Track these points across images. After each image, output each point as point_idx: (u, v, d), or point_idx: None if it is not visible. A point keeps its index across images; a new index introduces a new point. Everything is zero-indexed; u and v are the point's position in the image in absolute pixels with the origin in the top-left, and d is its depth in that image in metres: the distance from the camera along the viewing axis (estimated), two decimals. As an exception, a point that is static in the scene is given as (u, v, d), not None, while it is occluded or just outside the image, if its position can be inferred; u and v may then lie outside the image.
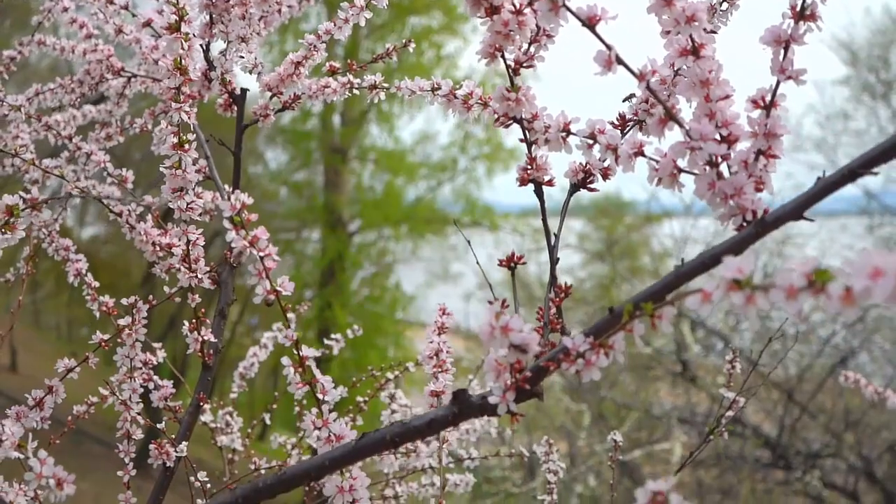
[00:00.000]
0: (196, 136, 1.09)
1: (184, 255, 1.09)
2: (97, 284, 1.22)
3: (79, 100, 1.55)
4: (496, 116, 0.86)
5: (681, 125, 0.73)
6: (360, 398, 1.66)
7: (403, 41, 1.32)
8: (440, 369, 0.94)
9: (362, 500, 0.76)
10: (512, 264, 0.88)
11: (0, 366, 9.29)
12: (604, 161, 0.85)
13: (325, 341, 1.73)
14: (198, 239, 1.08)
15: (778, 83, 0.71)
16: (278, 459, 1.68)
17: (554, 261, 0.85)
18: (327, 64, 1.27)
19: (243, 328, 10.92)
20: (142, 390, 1.12)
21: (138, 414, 1.11)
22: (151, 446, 1.09)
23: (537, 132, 0.85)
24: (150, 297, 1.13)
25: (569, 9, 0.70)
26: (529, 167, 0.87)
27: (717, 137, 0.72)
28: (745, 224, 0.69)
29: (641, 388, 7.96)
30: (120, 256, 10.91)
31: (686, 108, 0.76)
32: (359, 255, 11.15)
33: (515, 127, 0.88)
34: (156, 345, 1.20)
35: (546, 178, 0.87)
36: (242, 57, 1.21)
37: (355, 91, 1.26)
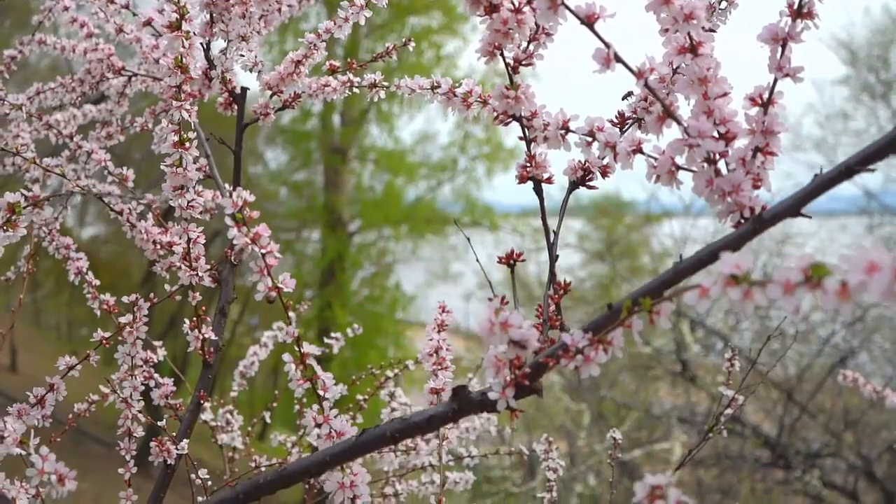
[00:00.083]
0: (196, 134, 1.10)
1: (184, 253, 1.09)
2: (98, 283, 1.23)
3: (79, 99, 1.55)
4: (495, 114, 0.87)
5: (679, 122, 0.74)
6: (360, 396, 1.66)
7: (403, 40, 1.32)
8: (440, 367, 0.94)
9: (363, 495, 0.76)
10: (511, 261, 0.88)
11: (0, 366, 9.29)
12: (603, 159, 0.86)
13: (326, 340, 1.73)
14: (198, 237, 1.09)
15: (775, 81, 0.71)
16: (279, 457, 1.68)
17: (553, 258, 0.85)
18: (327, 63, 1.28)
19: (243, 328, 10.93)
20: (143, 388, 1.12)
21: (139, 412, 1.11)
22: (152, 444, 1.10)
23: (536, 130, 0.86)
24: (152, 294, 1.14)
25: (567, 7, 0.71)
26: (529, 165, 0.88)
27: (715, 135, 0.72)
28: (742, 221, 0.70)
29: (641, 387, 7.97)
30: (120, 256, 10.92)
31: (684, 106, 0.77)
32: (359, 255, 11.16)
33: (515, 127, 0.88)
34: (156, 343, 1.21)
35: (545, 176, 0.88)
36: (243, 55, 1.22)
37: (355, 90, 1.26)
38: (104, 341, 1.11)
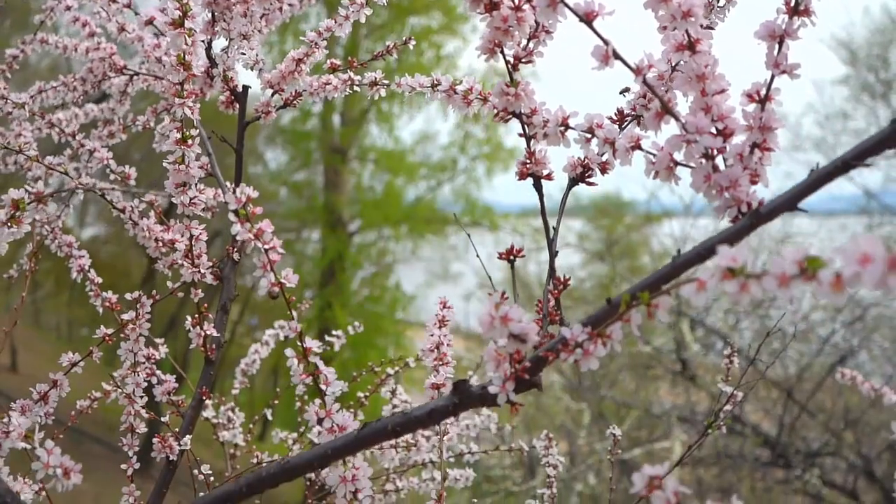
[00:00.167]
0: (198, 132, 1.10)
1: (186, 250, 1.10)
2: (100, 280, 1.23)
3: (81, 98, 1.56)
4: (496, 112, 0.88)
5: (677, 119, 0.75)
6: (360, 394, 1.67)
7: (404, 39, 1.33)
8: (441, 362, 0.94)
9: (364, 489, 0.77)
10: (511, 257, 0.89)
11: (0, 366, 9.29)
12: (602, 155, 0.86)
13: (327, 338, 1.74)
14: (200, 234, 1.09)
15: (773, 77, 0.72)
16: (280, 455, 1.69)
17: (553, 253, 0.86)
18: (328, 61, 1.28)
19: (243, 328, 10.94)
20: (145, 384, 1.13)
21: (142, 408, 1.12)
22: (155, 440, 1.10)
23: (536, 127, 0.86)
24: (154, 291, 1.14)
25: (566, 5, 0.71)
26: (528, 161, 0.88)
27: (713, 131, 0.73)
28: (740, 216, 0.70)
29: (641, 387, 7.97)
30: (120, 256, 10.93)
31: (683, 103, 0.78)
32: (359, 255, 11.17)
33: (515, 127, 0.89)
34: (158, 340, 1.22)
35: (545, 172, 0.89)
36: (244, 54, 1.22)
37: (356, 88, 1.27)
38: (107, 338, 1.12)
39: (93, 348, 1.10)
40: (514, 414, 0.74)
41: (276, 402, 1.91)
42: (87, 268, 1.24)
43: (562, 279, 0.86)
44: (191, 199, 1.05)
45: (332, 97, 1.28)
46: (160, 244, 1.16)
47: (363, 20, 1.23)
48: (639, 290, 0.63)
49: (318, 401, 0.79)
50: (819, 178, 0.64)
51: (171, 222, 1.18)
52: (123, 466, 1.11)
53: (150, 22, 1.19)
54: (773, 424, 6.38)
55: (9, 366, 9.48)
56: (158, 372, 1.17)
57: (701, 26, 0.73)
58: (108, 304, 1.20)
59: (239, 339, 10.16)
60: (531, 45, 0.85)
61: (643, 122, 0.84)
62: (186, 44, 0.98)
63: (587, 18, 0.71)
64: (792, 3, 0.71)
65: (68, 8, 1.48)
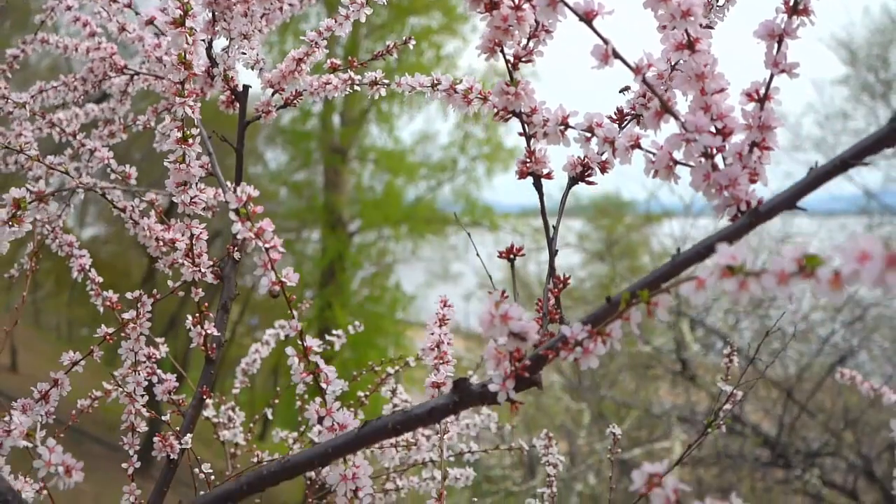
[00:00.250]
0: (199, 131, 1.11)
1: (187, 249, 1.10)
2: (101, 280, 1.24)
3: (82, 98, 1.56)
4: (496, 111, 0.88)
5: (676, 118, 0.75)
6: (360, 393, 1.67)
7: (404, 38, 1.33)
8: (441, 361, 0.95)
9: (365, 487, 0.77)
10: (511, 255, 0.89)
11: (0, 366, 9.29)
12: (601, 154, 0.87)
13: (327, 337, 1.74)
14: (201, 233, 1.10)
15: (771, 76, 0.72)
16: (280, 454, 1.69)
17: (553, 252, 0.86)
18: (328, 61, 1.29)
19: (243, 328, 10.94)
20: (146, 383, 1.13)
21: (143, 406, 1.12)
22: (156, 439, 1.11)
23: (536, 125, 0.87)
24: (155, 291, 1.15)
25: (566, 4, 0.72)
26: (528, 160, 0.89)
27: (713, 130, 0.73)
28: (739, 214, 0.71)
29: (641, 386, 7.97)
30: (120, 257, 10.93)
31: (682, 102, 0.78)
32: (359, 255, 11.17)
33: (514, 127, 0.89)
34: (158, 339, 1.22)
35: (545, 171, 0.89)
36: (244, 53, 1.23)
37: (356, 87, 1.27)
38: (108, 337, 1.12)
39: (94, 347, 1.10)
40: (515, 412, 0.74)
41: (277, 401, 1.92)
42: (87, 267, 1.24)
43: (562, 278, 0.86)
44: (192, 198, 1.05)
45: (332, 97, 1.29)
46: (161, 243, 1.17)
47: (363, 19, 1.24)
48: (638, 289, 0.64)
49: (318, 399, 0.79)
50: (818, 177, 0.64)
51: (171, 221, 1.18)
52: (124, 465, 1.11)
53: (150, 22, 1.20)
54: (773, 424, 6.38)
55: (9, 366, 9.48)
56: (159, 371, 1.17)
57: (700, 25, 0.74)
58: (108, 303, 1.20)
59: (239, 339, 10.16)
60: (531, 44, 0.85)
61: (643, 121, 0.85)
62: (187, 43, 0.98)
63: (587, 17, 0.72)
64: (791, 3, 0.71)
65: (69, 8, 1.48)
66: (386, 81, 1.24)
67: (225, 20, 1.17)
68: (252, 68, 1.26)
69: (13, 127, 1.47)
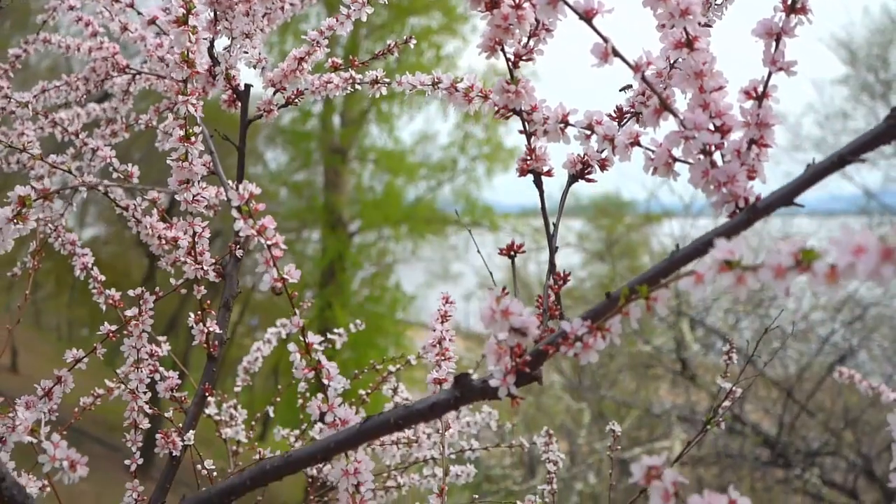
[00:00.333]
0: (201, 130, 1.11)
1: (189, 247, 1.11)
2: (103, 278, 1.24)
3: (84, 97, 1.57)
4: (496, 109, 0.88)
5: (675, 115, 0.76)
6: (362, 391, 1.68)
7: (405, 37, 1.34)
8: (443, 357, 0.95)
9: (367, 482, 0.77)
10: (512, 252, 0.90)
11: (0, 366, 9.30)
12: (601, 152, 0.87)
13: (329, 335, 1.75)
14: (203, 231, 1.10)
15: (770, 75, 0.73)
16: (282, 451, 1.70)
17: (553, 249, 0.87)
18: (329, 60, 1.29)
19: (243, 328, 10.94)
20: (148, 380, 1.13)
21: (146, 403, 1.13)
22: (158, 436, 1.11)
23: (536, 123, 0.87)
24: (157, 288, 1.15)
25: (566, 3, 0.72)
26: (529, 158, 0.89)
27: (711, 127, 0.74)
28: (737, 211, 0.71)
29: (641, 386, 7.98)
30: (120, 257, 10.93)
31: (681, 100, 0.79)
32: (359, 256, 11.17)
33: (514, 127, 0.90)
34: (160, 338, 1.22)
35: (545, 169, 0.90)
36: (246, 53, 1.23)
37: (357, 86, 1.28)
38: (110, 334, 1.13)
39: (97, 344, 1.11)
40: (515, 408, 0.74)
41: (278, 399, 1.92)
42: (90, 265, 1.25)
43: (562, 274, 0.87)
44: (194, 196, 1.06)
45: (333, 95, 1.29)
46: (163, 241, 1.17)
47: (364, 18, 1.24)
48: (638, 284, 0.64)
49: (320, 395, 0.80)
50: (816, 173, 0.64)
51: (173, 220, 1.19)
52: (127, 462, 1.11)
53: (152, 21, 1.21)
54: (773, 424, 6.39)
55: (9, 366, 9.49)
56: (161, 369, 1.18)
57: (699, 24, 0.74)
58: (110, 301, 1.21)
59: (239, 339, 10.16)
60: (531, 42, 0.86)
61: (642, 119, 0.85)
62: (190, 41, 0.99)
63: (587, 16, 0.72)
64: (789, 1, 0.72)
65: (71, 7, 1.49)
66: (387, 80, 1.25)
67: (227, 19, 1.18)
68: (254, 67, 1.27)
69: (16, 126, 1.48)
